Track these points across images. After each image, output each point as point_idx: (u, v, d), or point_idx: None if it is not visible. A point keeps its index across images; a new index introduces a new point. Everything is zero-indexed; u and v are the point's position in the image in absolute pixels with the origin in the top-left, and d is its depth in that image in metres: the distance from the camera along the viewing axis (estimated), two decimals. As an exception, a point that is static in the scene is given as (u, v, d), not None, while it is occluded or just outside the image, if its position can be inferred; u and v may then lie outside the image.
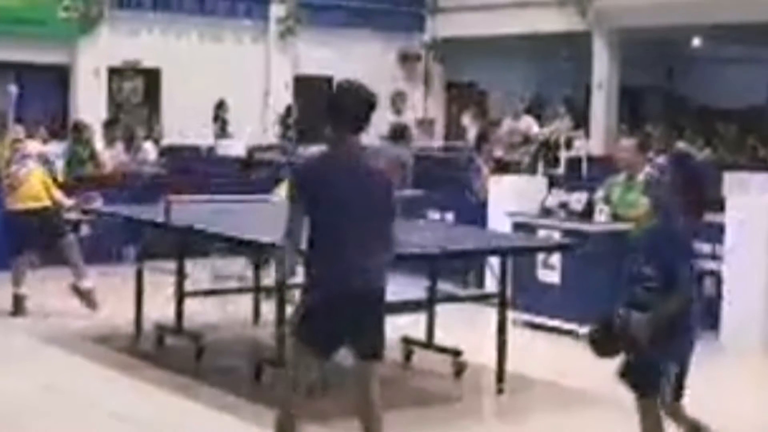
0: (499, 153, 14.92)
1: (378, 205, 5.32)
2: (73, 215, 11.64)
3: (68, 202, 10.12)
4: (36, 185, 9.75)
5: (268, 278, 8.28)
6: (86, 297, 9.59)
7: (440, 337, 8.20)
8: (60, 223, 9.82)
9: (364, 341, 5.33)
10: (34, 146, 10.68)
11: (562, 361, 8.39)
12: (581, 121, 19.91)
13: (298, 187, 5.36)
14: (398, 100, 18.16)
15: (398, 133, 14.95)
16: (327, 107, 5.39)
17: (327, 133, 5.39)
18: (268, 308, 8.46)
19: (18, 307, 9.57)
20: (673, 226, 5.42)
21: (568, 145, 16.67)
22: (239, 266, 9.40)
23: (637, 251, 5.45)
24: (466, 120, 21.62)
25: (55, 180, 10.95)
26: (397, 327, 8.33)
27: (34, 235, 9.67)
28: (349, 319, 5.25)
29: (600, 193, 9.64)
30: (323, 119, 5.40)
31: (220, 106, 19.05)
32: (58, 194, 10.06)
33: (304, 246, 5.30)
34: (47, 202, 9.75)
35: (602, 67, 20.76)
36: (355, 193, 5.24)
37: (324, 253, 5.28)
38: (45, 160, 11.09)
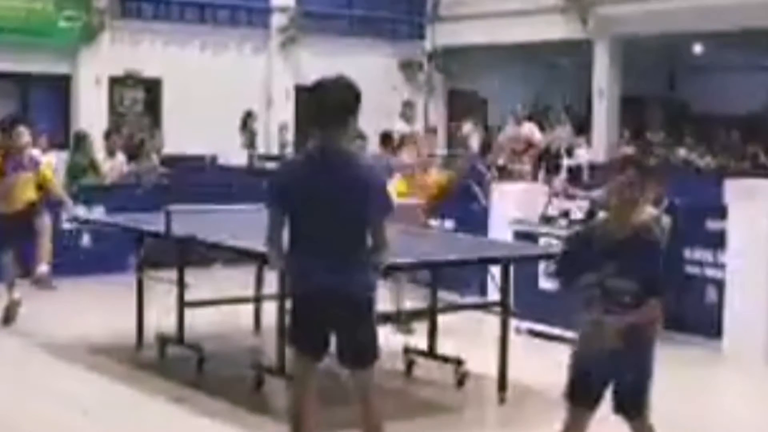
0: (501, 161, 14.94)
1: (358, 204, 5.19)
2: (72, 224, 11.67)
3: (66, 199, 10.03)
4: (26, 192, 9.63)
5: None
6: (40, 281, 9.51)
7: (442, 346, 8.18)
8: (38, 212, 9.71)
9: (345, 347, 5.29)
10: (34, 155, 10.41)
11: (563, 370, 8.35)
12: (583, 128, 19.92)
13: (272, 191, 5.38)
14: (407, 109, 18.17)
15: (387, 139, 15.01)
16: (309, 106, 5.38)
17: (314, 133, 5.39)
18: (269, 317, 8.46)
19: (10, 313, 9.52)
20: (660, 236, 5.26)
21: (570, 153, 16.69)
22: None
23: (603, 262, 5.00)
24: (467, 128, 21.65)
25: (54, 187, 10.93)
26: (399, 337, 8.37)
27: (13, 230, 9.57)
28: (326, 320, 5.23)
29: (598, 192, 9.66)
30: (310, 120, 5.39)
31: (249, 116, 19.04)
32: (59, 190, 10.04)
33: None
34: (32, 197, 9.66)
35: (603, 75, 20.76)
36: (329, 192, 5.16)
37: (298, 254, 5.28)
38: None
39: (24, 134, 9.75)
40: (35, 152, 13.87)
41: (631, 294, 4.95)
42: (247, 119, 18.92)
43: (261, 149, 19.37)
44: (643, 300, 4.97)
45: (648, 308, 5.01)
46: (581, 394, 5.20)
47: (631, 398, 5.14)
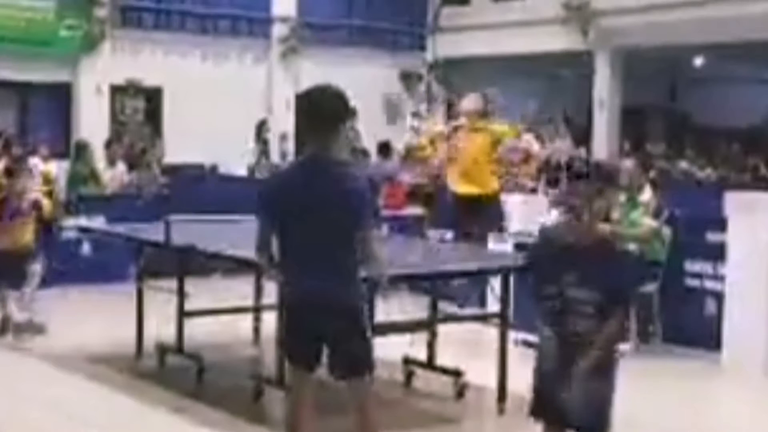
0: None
1: (345, 214, 5.15)
2: (72, 233, 11.68)
3: (37, 196, 9.84)
4: (24, 236, 9.53)
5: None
6: (20, 330, 9.35)
7: (441, 357, 8.18)
8: (32, 253, 9.59)
9: (336, 358, 5.28)
10: (38, 197, 10.04)
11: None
12: (583, 140, 19.93)
13: (261, 200, 5.41)
14: (415, 120, 18.22)
15: (384, 149, 15.04)
16: (300, 114, 5.40)
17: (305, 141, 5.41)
18: (269, 327, 8.46)
19: (5, 325, 9.50)
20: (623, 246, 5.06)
21: (569, 165, 16.70)
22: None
23: (563, 271, 4.80)
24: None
25: (55, 201, 10.92)
26: (397, 347, 8.36)
27: (6, 267, 9.47)
28: (316, 330, 5.23)
29: (599, 204, 9.63)
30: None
31: (262, 125, 19.09)
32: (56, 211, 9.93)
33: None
34: (29, 242, 9.56)
35: (604, 86, 20.78)
36: (317, 201, 5.15)
37: (285, 266, 5.31)
38: (47, 180, 11.01)
39: (25, 181, 9.64)
40: (35, 161, 13.89)
41: (594, 304, 4.75)
42: (261, 128, 18.99)
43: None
44: (606, 311, 4.78)
45: (612, 325, 4.81)
46: (548, 412, 5.02)
47: (593, 418, 4.94)
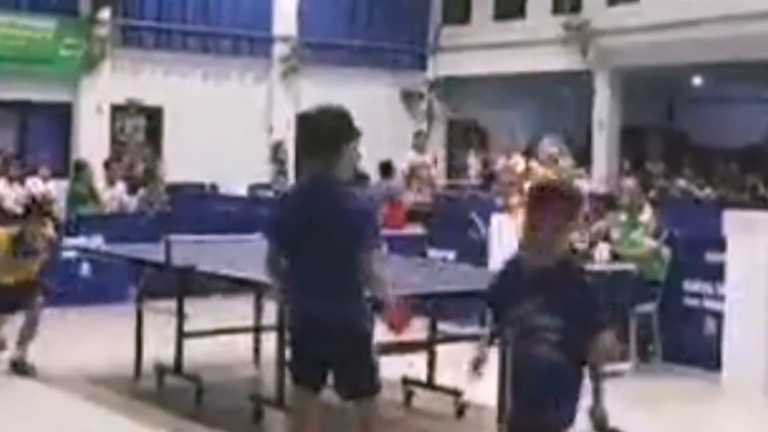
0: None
1: (347, 235, 5.14)
2: (71, 254, 11.64)
3: (50, 232, 9.79)
4: (33, 269, 9.47)
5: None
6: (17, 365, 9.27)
7: (441, 377, 8.16)
8: (36, 288, 9.53)
9: (341, 378, 5.28)
10: (50, 233, 9.90)
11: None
12: (583, 159, 19.93)
13: (269, 224, 5.45)
14: (420, 139, 18.28)
15: (386, 168, 15.04)
16: (301, 135, 5.41)
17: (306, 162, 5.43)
18: (268, 348, 8.44)
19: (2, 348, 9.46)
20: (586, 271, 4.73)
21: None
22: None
23: (527, 295, 4.55)
24: (472, 159, 21.77)
25: (55, 220, 10.89)
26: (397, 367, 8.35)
27: (8, 302, 9.41)
28: (322, 351, 5.22)
29: (599, 224, 9.66)
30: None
31: (278, 147, 19.16)
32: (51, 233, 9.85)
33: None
34: (35, 272, 9.51)
35: (604, 106, 20.84)
36: (320, 223, 5.15)
37: (294, 285, 5.31)
38: (47, 201, 10.98)
39: (40, 221, 9.51)
40: (35, 180, 13.90)
41: (557, 332, 4.48)
42: (278, 150, 19.06)
43: (265, 178, 19.45)
44: (572, 339, 4.48)
45: (599, 351, 4.56)
46: None
47: None
